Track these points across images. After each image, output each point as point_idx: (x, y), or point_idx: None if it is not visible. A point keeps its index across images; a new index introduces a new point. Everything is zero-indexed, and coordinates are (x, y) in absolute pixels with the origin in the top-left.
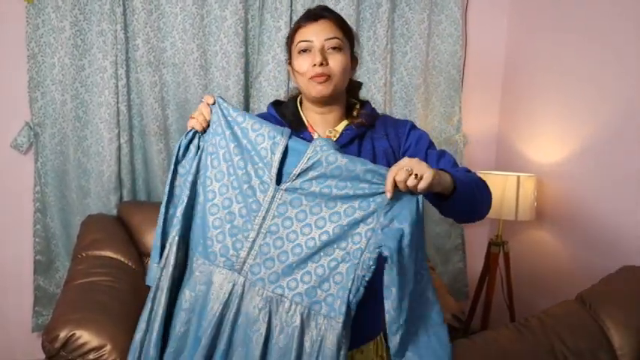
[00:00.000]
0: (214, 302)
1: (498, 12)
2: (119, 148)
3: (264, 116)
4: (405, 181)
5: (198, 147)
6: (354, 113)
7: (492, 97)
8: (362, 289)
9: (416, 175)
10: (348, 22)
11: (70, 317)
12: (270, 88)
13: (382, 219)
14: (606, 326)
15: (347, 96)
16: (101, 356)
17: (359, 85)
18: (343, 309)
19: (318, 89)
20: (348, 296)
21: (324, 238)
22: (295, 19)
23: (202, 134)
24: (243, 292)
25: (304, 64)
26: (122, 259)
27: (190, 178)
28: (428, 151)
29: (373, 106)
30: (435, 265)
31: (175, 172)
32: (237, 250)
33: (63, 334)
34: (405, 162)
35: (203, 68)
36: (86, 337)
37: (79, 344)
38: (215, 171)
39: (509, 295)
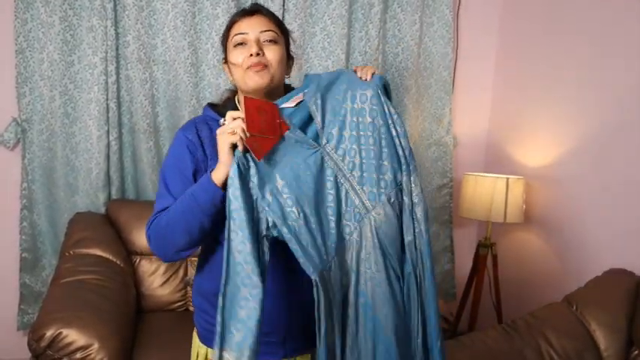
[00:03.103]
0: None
1: (490, 15)
2: (108, 145)
3: (201, 119)
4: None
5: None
6: None
7: (483, 99)
8: None
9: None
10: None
11: (56, 316)
12: None
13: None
14: (592, 328)
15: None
16: (88, 355)
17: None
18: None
19: (255, 79)
20: None
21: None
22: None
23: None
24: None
25: (240, 56)
26: (110, 258)
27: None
28: None
29: None
30: None
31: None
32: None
33: (49, 333)
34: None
35: (194, 66)
36: (73, 335)
37: (65, 343)
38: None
39: (497, 297)
